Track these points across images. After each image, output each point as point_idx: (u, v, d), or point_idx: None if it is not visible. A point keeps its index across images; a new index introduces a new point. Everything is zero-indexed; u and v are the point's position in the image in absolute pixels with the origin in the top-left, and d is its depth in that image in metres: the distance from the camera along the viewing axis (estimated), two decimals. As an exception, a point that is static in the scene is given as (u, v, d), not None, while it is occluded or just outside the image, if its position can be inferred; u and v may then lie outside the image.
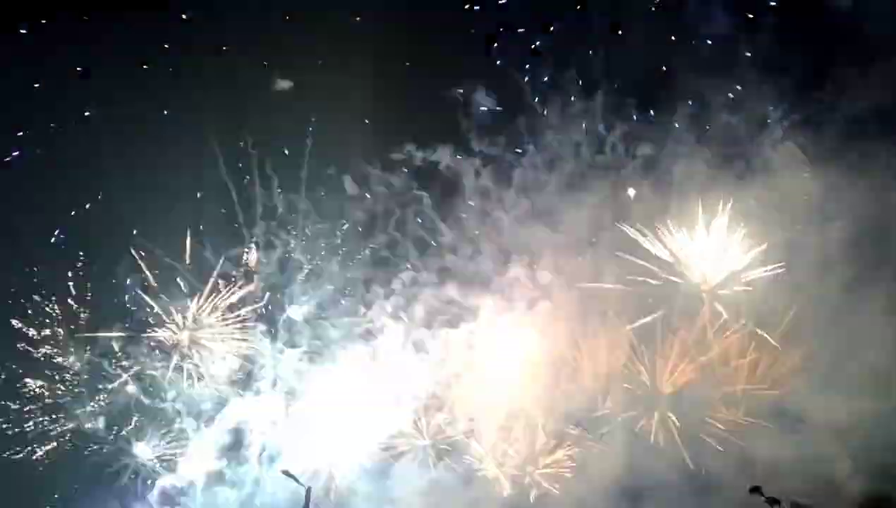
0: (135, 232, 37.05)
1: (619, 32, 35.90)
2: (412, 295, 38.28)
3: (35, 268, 36.86)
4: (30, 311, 36.72)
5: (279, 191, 38.05)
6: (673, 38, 35.19)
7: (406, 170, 38.50)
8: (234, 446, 37.88)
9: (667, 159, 36.04)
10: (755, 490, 27.06)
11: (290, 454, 36.55)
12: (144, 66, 35.54)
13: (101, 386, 37.42)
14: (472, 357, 37.41)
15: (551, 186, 38.24)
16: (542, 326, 37.10)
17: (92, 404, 37.32)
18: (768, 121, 35.37)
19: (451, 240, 38.90)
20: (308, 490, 25.76)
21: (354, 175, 38.51)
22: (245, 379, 38.12)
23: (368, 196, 38.70)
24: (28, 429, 36.55)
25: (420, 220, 39.26)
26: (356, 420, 36.27)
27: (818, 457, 32.57)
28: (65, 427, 37.00)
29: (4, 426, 36.31)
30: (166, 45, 35.56)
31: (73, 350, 37.04)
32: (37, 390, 36.72)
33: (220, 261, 37.67)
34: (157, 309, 37.28)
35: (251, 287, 38.09)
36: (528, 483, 36.50)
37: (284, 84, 37.25)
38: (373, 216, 39.07)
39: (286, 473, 26.13)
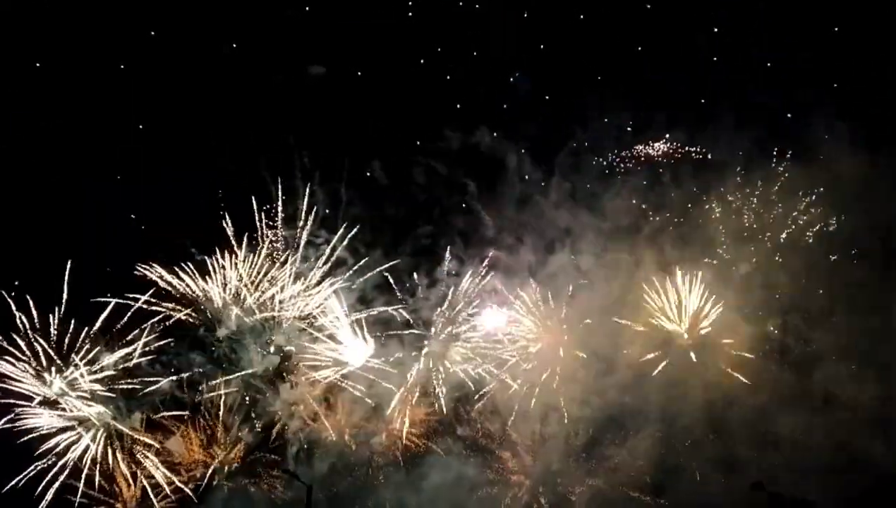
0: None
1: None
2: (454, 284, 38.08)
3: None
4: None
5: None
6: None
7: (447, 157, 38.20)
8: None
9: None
10: (757, 486, 25.66)
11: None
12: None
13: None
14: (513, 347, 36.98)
15: (594, 171, 37.28)
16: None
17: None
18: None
19: (493, 229, 38.53)
20: (309, 489, 26.18)
21: (393, 163, 38.54)
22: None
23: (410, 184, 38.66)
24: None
25: (463, 207, 39.06)
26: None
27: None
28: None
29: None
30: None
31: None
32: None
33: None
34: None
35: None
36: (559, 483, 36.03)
37: (318, 69, 37.65)
38: (415, 205, 39.10)
39: (287, 472, 26.83)
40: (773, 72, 34.69)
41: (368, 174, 38.47)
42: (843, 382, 33.47)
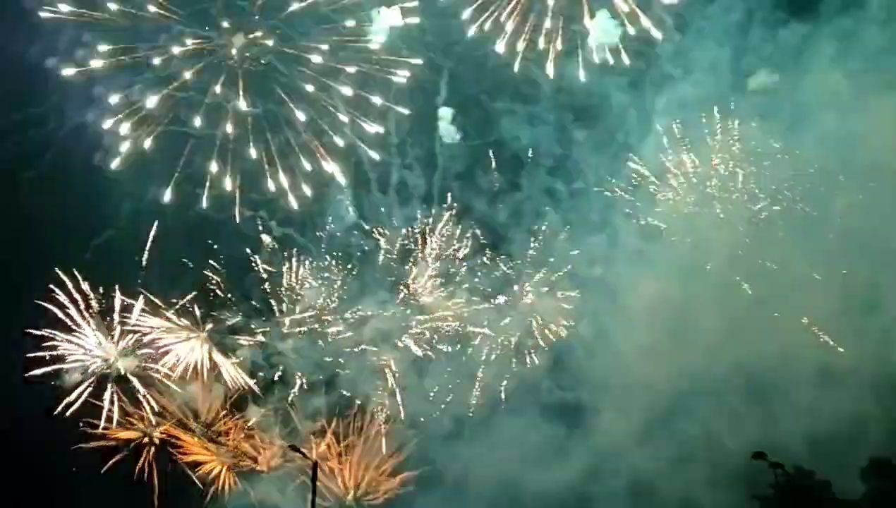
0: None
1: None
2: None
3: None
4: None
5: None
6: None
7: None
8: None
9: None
10: (758, 455, 25.43)
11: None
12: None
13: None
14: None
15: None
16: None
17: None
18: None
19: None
20: (315, 465, 26.47)
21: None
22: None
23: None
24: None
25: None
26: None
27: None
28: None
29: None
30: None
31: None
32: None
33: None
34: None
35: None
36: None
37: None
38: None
39: (293, 448, 27.17)
40: None
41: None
42: None
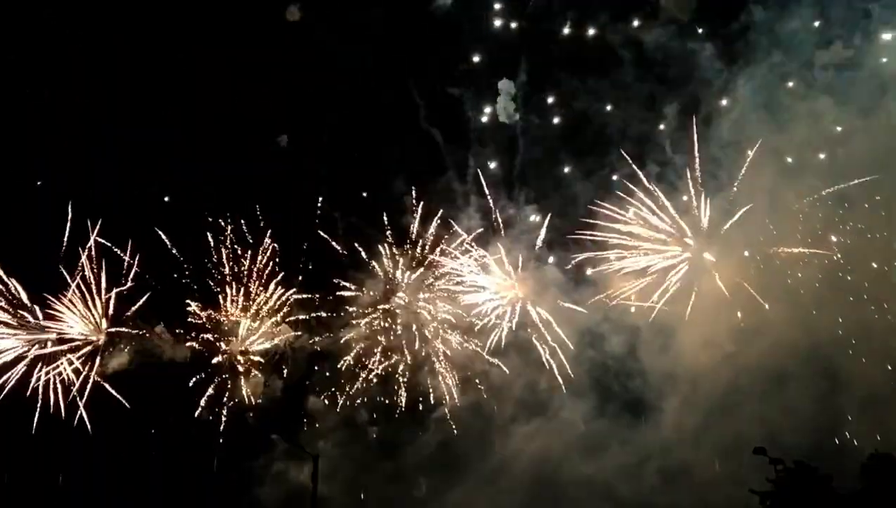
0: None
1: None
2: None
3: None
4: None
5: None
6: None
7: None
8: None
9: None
10: (759, 451, 25.46)
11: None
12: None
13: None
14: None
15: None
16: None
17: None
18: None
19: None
20: (315, 459, 26.47)
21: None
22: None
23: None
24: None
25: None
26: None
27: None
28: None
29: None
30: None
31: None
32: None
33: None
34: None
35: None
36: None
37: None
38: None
39: (292, 443, 27.18)
40: None
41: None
42: None
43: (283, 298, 37.87)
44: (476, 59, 39.10)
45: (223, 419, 35.80)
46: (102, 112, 37.74)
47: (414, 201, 38.81)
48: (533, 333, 38.41)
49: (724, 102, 37.41)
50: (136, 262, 36.33)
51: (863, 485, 28.02)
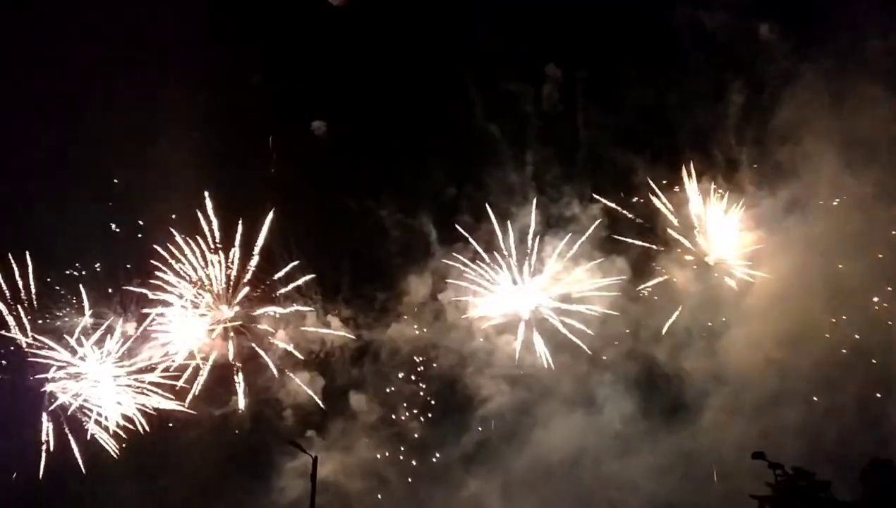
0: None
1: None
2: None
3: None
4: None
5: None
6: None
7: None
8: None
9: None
10: (758, 455, 25.37)
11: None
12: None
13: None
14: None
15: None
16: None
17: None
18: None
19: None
20: (315, 460, 26.46)
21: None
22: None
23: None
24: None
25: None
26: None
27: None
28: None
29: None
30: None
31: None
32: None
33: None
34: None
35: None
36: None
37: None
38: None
39: (292, 443, 27.26)
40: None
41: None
42: None
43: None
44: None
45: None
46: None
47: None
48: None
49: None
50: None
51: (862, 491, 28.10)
